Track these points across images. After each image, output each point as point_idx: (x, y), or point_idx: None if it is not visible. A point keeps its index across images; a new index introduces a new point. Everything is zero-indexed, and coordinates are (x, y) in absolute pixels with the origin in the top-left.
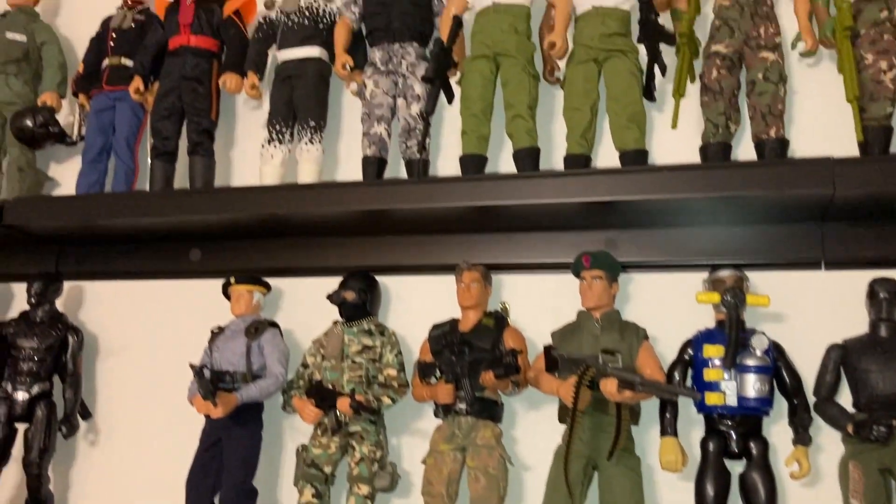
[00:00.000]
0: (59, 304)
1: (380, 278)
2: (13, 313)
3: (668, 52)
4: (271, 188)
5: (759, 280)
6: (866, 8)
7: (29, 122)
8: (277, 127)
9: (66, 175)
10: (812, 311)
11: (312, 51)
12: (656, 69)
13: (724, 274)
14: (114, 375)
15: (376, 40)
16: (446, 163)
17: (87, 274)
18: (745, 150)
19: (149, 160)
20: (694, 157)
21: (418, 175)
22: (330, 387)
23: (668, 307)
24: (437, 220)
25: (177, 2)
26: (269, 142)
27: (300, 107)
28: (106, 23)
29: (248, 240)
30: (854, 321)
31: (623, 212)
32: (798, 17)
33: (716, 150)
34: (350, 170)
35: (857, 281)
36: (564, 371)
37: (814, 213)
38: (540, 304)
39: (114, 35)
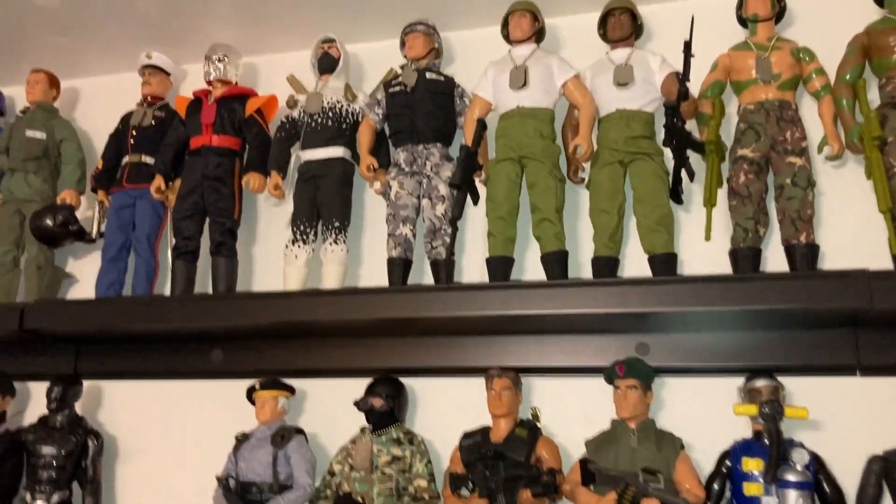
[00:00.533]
0: (78, 405)
1: (405, 380)
2: (29, 413)
3: (693, 155)
4: (295, 294)
5: (794, 386)
6: (892, 115)
7: (49, 222)
8: (301, 227)
9: (84, 271)
10: (849, 418)
11: (336, 151)
12: (683, 174)
13: (760, 384)
14: (134, 479)
15: (400, 141)
16: (470, 262)
17: (106, 374)
18: (773, 252)
19: (170, 258)
20: (723, 260)
21: (445, 278)
22: (359, 499)
23: (702, 413)
24: (464, 324)
25: (198, 100)
26: (293, 242)
27: (324, 207)
28: (126, 119)
29: (270, 340)
30: (893, 429)
31: (654, 318)
32: (823, 121)
33: (746, 255)
34: (374, 269)
35: (894, 388)
36: (602, 486)
37: (848, 321)
38: (570, 409)
39: (134, 132)
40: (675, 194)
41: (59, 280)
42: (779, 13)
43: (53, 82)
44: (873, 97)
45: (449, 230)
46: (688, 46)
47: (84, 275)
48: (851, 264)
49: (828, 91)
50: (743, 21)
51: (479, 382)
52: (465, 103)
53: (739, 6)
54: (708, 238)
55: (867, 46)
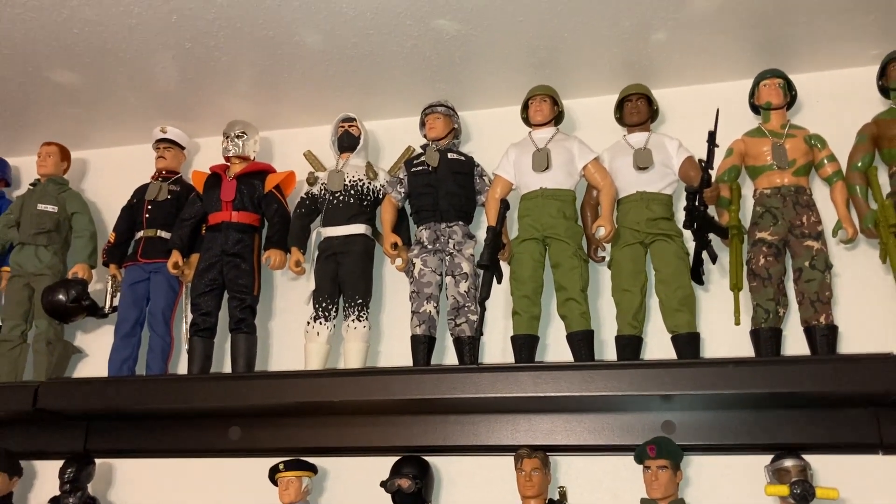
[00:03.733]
0: (90, 485)
1: (431, 459)
2: (36, 492)
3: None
4: (315, 374)
5: (817, 464)
6: None
7: (62, 297)
8: (323, 304)
9: (93, 345)
10: (871, 496)
11: (358, 228)
12: (705, 255)
13: (789, 464)
14: None
15: (423, 220)
16: (492, 339)
17: (118, 451)
18: (793, 332)
19: (185, 334)
20: (744, 339)
21: (470, 357)
22: None
23: (729, 491)
24: (491, 403)
25: (216, 175)
26: (314, 319)
27: (346, 284)
28: (140, 193)
29: (291, 418)
30: None
31: (680, 398)
32: (836, 206)
33: (767, 336)
34: (394, 346)
35: None
36: None
37: (870, 401)
38: (599, 488)
39: (149, 207)
40: (697, 275)
41: (69, 355)
42: (790, 101)
43: (65, 155)
44: (883, 182)
45: (472, 307)
46: (712, 136)
47: (94, 349)
48: (869, 344)
49: (839, 177)
50: (755, 108)
51: (505, 461)
52: (484, 182)
53: (752, 94)
54: (738, 322)
55: (876, 135)
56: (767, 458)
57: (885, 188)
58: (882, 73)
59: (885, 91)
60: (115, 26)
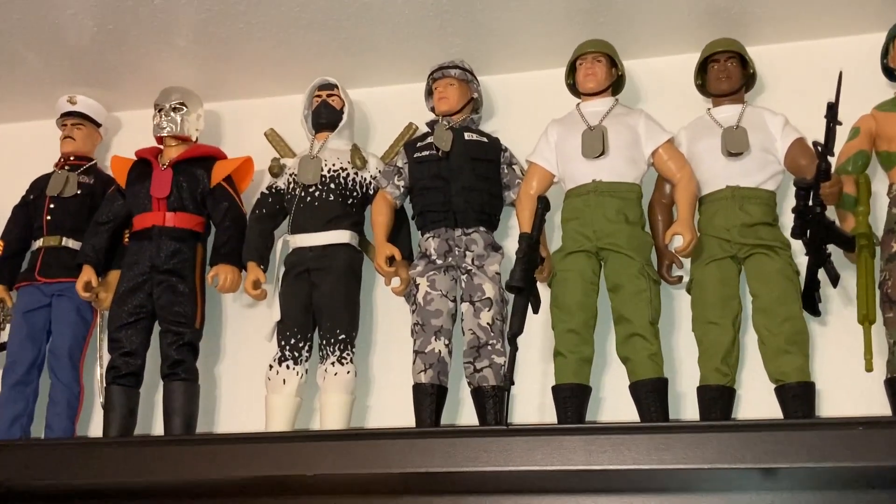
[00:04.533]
0: None
1: None
2: None
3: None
4: (281, 438)
5: None
6: None
7: None
8: (292, 341)
9: None
10: None
11: (340, 235)
12: (822, 275)
13: None
14: None
15: (430, 225)
16: (524, 390)
17: None
18: None
19: (99, 383)
20: (875, 390)
21: (496, 415)
22: None
23: None
24: (524, 480)
25: (144, 163)
26: (279, 361)
27: (325, 312)
28: (38, 187)
29: (247, 499)
30: None
31: (787, 474)
32: None
33: None
34: (388, 399)
35: None
36: None
37: None
38: None
39: (51, 206)
40: (811, 303)
41: None
42: None
43: None
44: None
45: (498, 345)
46: (832, 110)
47: None
48: None
49: None
50: (889, 72)
51: None
52: (515, 172)
53: (885, 53)
54: (869, 368)
55: None
56: None
57: None
58: None
59: None
60: None
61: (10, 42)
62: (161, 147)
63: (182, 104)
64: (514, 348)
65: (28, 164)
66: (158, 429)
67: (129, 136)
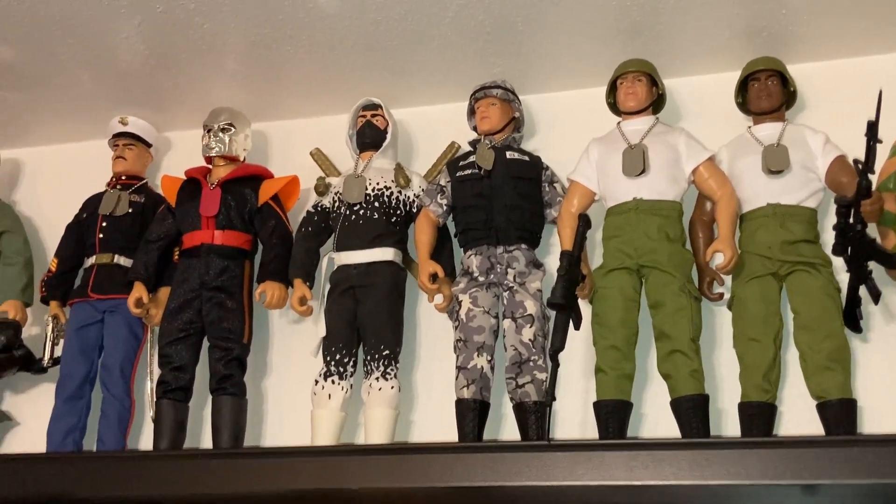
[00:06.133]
0: None
1: None
2: None
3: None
4: (327, 452)
5: None
6: None
7: None
8: (337, 356)
9: (25, 409)
10: None
11: (384, 253)
12: (863, 292)
13: None
14: None
15: (472, 242)
16: (565, 406)
17: None
18: None
19: (149, 397)
20: None
21: (538, 431)
22: None
23: None
24: (567, 495)
25: (194, 182)
26: (325, 376)
27: (369, 329)
28: (91, 206)
29: None
30: None
31: (830, 490)
32: None
33: None
34: (431, 414)
35: None
36: None
37: None
38: None
39: (104, 224)
40: (853, 320)
41: None
42: None
43: None
44: None
45: (539, 361)
46: (873, 128)
47: (27, 415)
48: None
49: None
50: None
51: None
52: (555, 191)
53: None
54: None
55: None
56: None
57: None
58: None
59: None
60: None
61: (65, 64)
62: (210, 167)
63: (230, 125)
64: (556, 364)
65: (81, 183)
66: (207, 442)
67: (179, 156)
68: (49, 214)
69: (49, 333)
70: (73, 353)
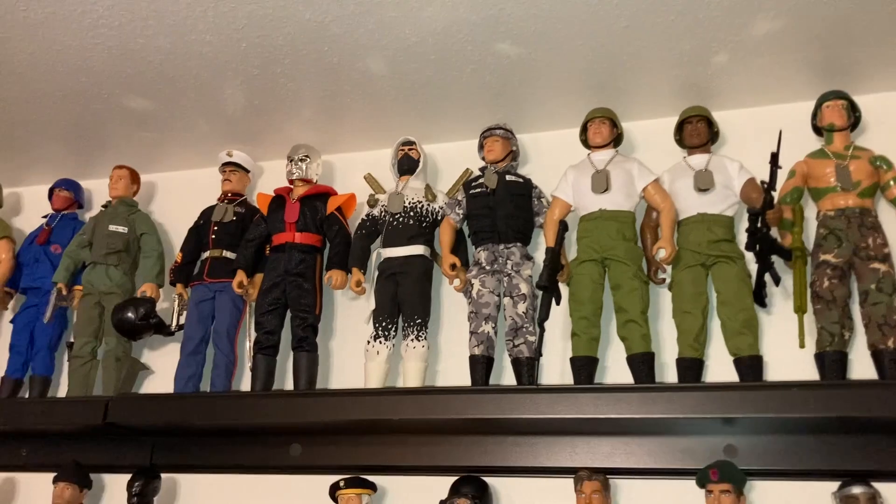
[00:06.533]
0: (156, 499)
1: (488, 479)
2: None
3: (776, 260)
4: (375, 392)
5: (887, 492)
6: None
7: (131, 315)
8: (383, 324)
9: (158, 362)
10: None
11: (417, 249)
12: (767, 278)
13: (857, 491)
14: None
15: (481, 241)
16: (550, 361)
17: (182, 467)
18: (859, 356)
19: (248, 352)
20: (808, 363)
21: (529, 379)
22: None
23: None
24: (549, 424)
25: (280, 198)
26: (374, 338)
27: (406, 303)
28: (206, 215)
29: (350, 436)
30: None
31: (742, 422)
32: None
33: (832, 359)
34: (451, 366)
35: None
36: None
37: None
38: None
39: (215, 228)
40: (760, 298)
41: (137, 372)
42: (853, 122)
43: (135, 178)
44: None
45: (530, 328)
46: (775, 158)
47: (159, 367)
48: None
49: None
50: (817, 130)
51: (563, 483)
52: (542, 204)
53: (814, 116)
54: (802, 345)
55: None
56: (834, 485)
57: None
58: None
59: None
60: (187, 54)
61: (186, 112)
62: (291, 187)
63: (306, 156)
64: (542, 330)
65: (198, 198)
66: (289, 385)
67: (271, 179)
68: (175, 221)
69: (176, 307)
70: (192, 322)
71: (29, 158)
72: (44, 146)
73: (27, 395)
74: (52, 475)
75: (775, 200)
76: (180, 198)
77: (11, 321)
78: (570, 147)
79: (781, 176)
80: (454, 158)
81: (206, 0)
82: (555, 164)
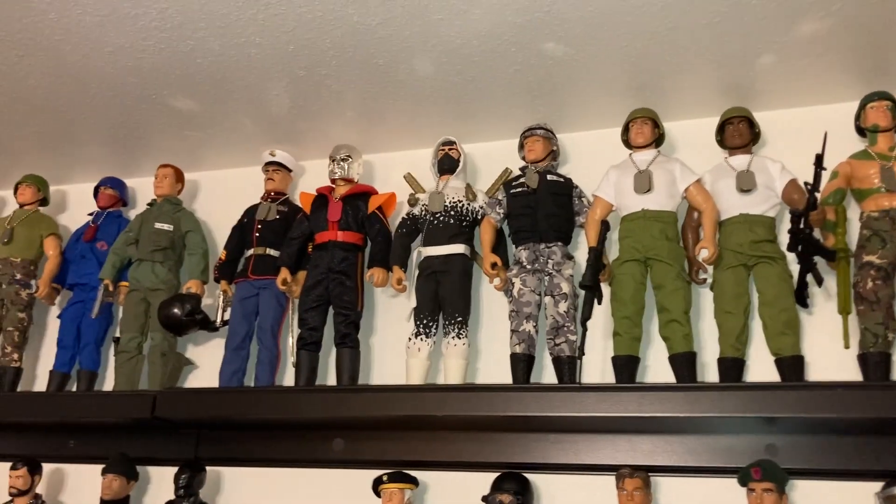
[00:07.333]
0: (202, 491)
1: (529, 475)
2: (150, 496)
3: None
4: (418, 389)
5: None
6: None
7: (177, 311)
8: (424, 321)
9: (203, 357)
10: None
11: (458, 248)
12: (809, 278)
13: None
14: None
15: (522, 240)
16: (591, 360)
17: (227, 460)
18: None
19: (291, 348)
20: (850, 363)
21: (570, 377)
22: None
23: None
24: (591, 422)
25: (322, 197)
26: (416, 335)
27: (447, 301)
28: (250, 213)
29: (393, 431)
30: None
31: (784, 421)
32: None
33: (876, 360)
34: (491, 363)
35: None
36: None
37: None
38: None
39: (259, 226)
40: (801, 298)
41: (182, 367)
42: None
43: (179, 177)
44: None
45: (571, 327)
46: (819, 159)
47: (203, 361)
48: None
49: None
50: (861, 130)
51: (605, 481)
52: (583, 203)
53: (858, 116)
54: (847, 346)
55: None
56: (878, 486)
57: None
58: None
59: None
60: (235, 56)
61: (232, 113)
62: (334, 186)
63: (348, 156)
64: (585, 329)
65: (242, 197)
66: (332, 381)
67: (312, 178)
68: (219, 218)
69: (220, 303)
70: (237, 318)
71: (76, 157)
72: (90, 145)
73: (74, 389)
74: (100, 467)
75: (819, 201)
76: (224, 196)
77: (59, 316)
78: (610, 147)
79: (825, 177)
80: (493, 158)
81: (256, 3)
82: (595, 163)
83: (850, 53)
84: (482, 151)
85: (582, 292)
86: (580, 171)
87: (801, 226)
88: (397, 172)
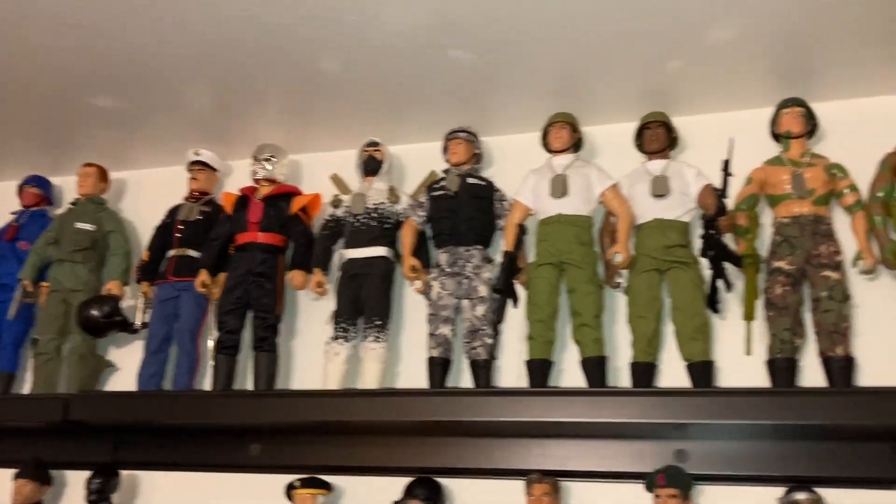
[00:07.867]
0: (115, 496)
1: (443, 480)
2: (65, 502)
3: (730, 266)
4: (334, 394)
5: (833, 498)
6: None
7: (95, 313)
8: (343, 324)
9: (124, 359)
10: None
11: (379, 250)
12: (721, 283)
13: (801, 497)
14: None
15: (442, 243)
16: (508, 363)
17: (144, 464)
18: (810, 362)
19: (210, 352)
20: (759, 369)
21: (484, 380)
22: None
23: None
24: (504, 427)
25: (245, 198)
26: (334, 339)
27: (367, 305)
28: (172, 213)
29: (309, 436)
30: None
31: (693, 427)
32: (857, 236)
33: (783, 366)
34: (411, 367)
35: None
36: None
37: (888, 435)
38: None
39: (180, 226)
40: (713, 304)
41: (101, 369)
42: (811, 130)
43: (103, 176)
44: None
45: (488, 331)
46: (727, 165)
47: (124, 364)
48: (888, 377)
49: (860, 207)
50: (776, 136)
51: (517, 486)
52: (504, 207)
53: (773, 123)
54: (749, 353)
55: None
56: (781, 491)
57: None
58: None
59: None
60: (154, 54)
61: (157, 114)
62: (257, 186)
63: (272, 156)
64: (497, 333)
65: (166, 196)
66: (249, 384)
67: (243, 178)
68: (147, 218)
69: (140, 305)
70: (157, 320)
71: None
72: (14, 143)
73: None
74: (12, 471)
75: (729, 207)
76: (152, 196)
77: None
78: (534, 150)
79: (736, 183)
80: (422, 160)
81: (169, 1)
82: (519, 167)
83: (761, 60)
84: (410, 153)
85: (497, 296)
86: (504, 174)
87: (712, 231)
88: (326, 173)
